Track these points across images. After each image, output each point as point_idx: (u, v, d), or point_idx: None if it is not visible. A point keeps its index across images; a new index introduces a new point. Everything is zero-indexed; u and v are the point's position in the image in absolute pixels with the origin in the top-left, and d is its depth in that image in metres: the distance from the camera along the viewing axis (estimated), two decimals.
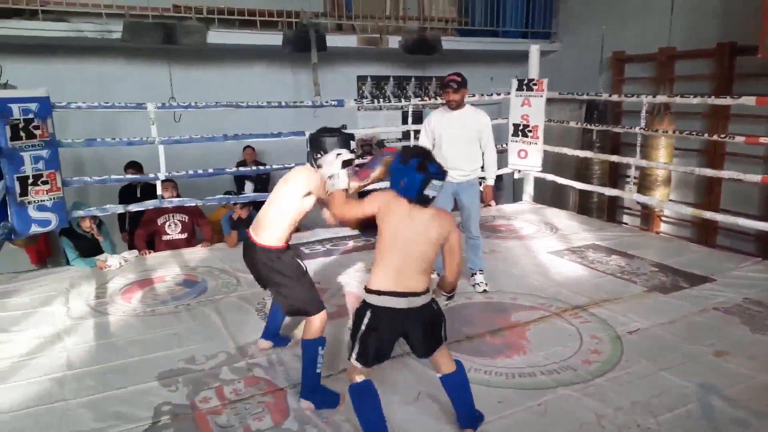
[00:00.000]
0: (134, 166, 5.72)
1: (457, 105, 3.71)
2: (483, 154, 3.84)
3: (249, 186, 6.69)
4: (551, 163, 6.14)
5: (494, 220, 5.72)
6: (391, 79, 8.80)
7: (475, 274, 3.90)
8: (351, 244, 5.04)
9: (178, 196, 4.98)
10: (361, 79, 8.62)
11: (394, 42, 7.65)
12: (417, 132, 6.71)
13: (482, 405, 2.39)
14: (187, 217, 5.09)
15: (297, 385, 2.65)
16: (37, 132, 3.94)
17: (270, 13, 7.02)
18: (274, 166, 5.55)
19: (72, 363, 2.91)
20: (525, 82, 5.80)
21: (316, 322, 2.60)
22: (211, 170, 5.07)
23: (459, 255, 2.25)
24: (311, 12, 7.27)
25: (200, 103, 5.04)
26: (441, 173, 2.13)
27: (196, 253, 4.79)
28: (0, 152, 3.78)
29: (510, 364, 2.86)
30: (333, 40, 7.28)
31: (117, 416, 2.45)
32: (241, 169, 6.20)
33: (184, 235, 5.07)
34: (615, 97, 5.84)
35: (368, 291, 2.17)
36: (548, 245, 4.85)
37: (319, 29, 7.09)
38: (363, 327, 2.14)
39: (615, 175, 7.46)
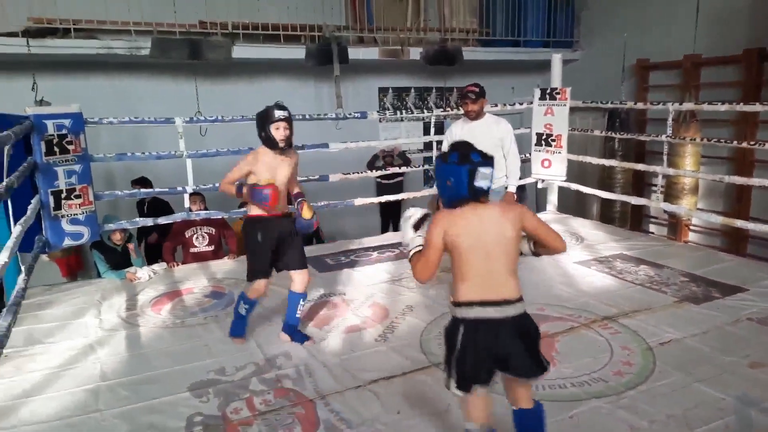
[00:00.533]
0: (142, 182, 5.80)
1: (477, 115, 3.83)
2: (506, 161, 3.86)
3: None
4: (574, 172, 6.09)
5: None
6: (413, 90, 8.85)
7: None
8: (375, 255, 5.05)
9: (205, 208, 5.06)
10: (383, 91, 8.68)
11: (415, 53, 7.71)
12: (439, 143, 6.73)
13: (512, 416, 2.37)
14: (214, 230, 5.17)
15: (326, 396, 2.67)
16: (71, 147, 4.04)
17: (293, 27, 7.13)
18: (298, 178, 5.59)
19: (105, 374, 2.97)
20: (548, 91, 5.78)
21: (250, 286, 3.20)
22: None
23: (547, 227, 2.05)
24: (333, 25, 7.36)
25: (226, 117, 5.12)
26: (487, 160, 1.98)
27: (223, 265, 4.86)
28: (35, 167, 3.89)
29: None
30: (355, 53, 7.36)
31: (150, 426, 2.49)
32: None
33: (211, 248, 5.14)
34: (640, 105, 5.79)
35: (457, 304, 1.95)
36: (574, 255, 4.80)
37: (341, 42, 7.18)
38: (458, 346, 1.90)
39: (639, 184, 7.37)
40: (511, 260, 1.97)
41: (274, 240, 3.16)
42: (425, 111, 7.56)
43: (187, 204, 4.87)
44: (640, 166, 5.85)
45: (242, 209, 5.57)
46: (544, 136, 5.79)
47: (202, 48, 6.46)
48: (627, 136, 6.27)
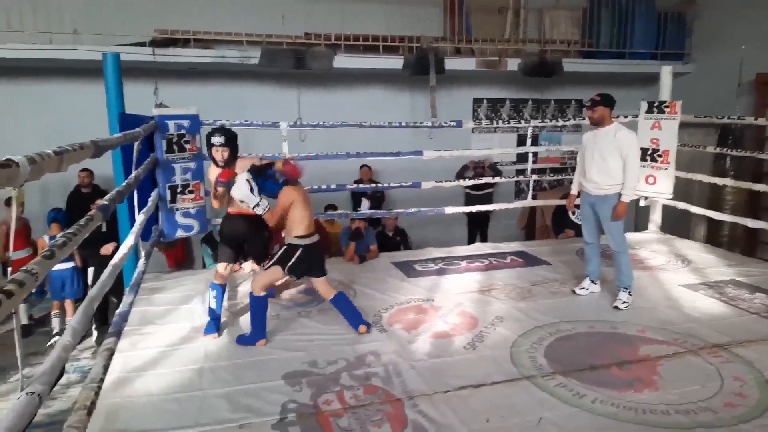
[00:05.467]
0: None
1: (597, 122, 3.91)
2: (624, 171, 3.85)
3: (365, 203, 6.90)
4: (678, 191, 5.72)
5: None
6: (508, 101, 8.74)
7: (619, 290, 3.92)
8: (464, 264, 5.02)
9: None
10: (477, 102, 8.65)
11: (512, 64, 7.62)
12: (535, 154, 6.59)
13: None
14: None
15: (414, 398, 2.68)
16: (188, 146, 4.38)
17: (392, 38, 7.30)
18: (392, 184, 5.70)
19: (209, 356, 3.16)
20: (655, 104, 5.50)
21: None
22: (333, 186, 5.32)
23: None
24: (431, 37, 7.46)
25: (327, 122, 5.32)
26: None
27: None
28: (156, 163, 4.25)
29: (640, 399, 2.68)
30: (451, 63, 7.40)
31: (248, 409, 2.62)
32: (360, 186, 6.43)
33: None
34: (762, 121, 5.34)
35: (298, 237, 3.31)
36: (680, 278, 4.50)
37: (438, 53, 7.25)
38: (293, 260, 3.29)
39: (755, 206, 6.79)
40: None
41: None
42: (521, 122, 7.44)
43: None
44: (760, 186, 5.38)
45: (337, 211, 5.76)
46: (649, 151, 5.50)
47: (306, 58, 6.77)
48: (746, 154, 5.80)
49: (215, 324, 3.46)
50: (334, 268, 4.87)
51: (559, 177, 6.95)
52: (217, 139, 3.49)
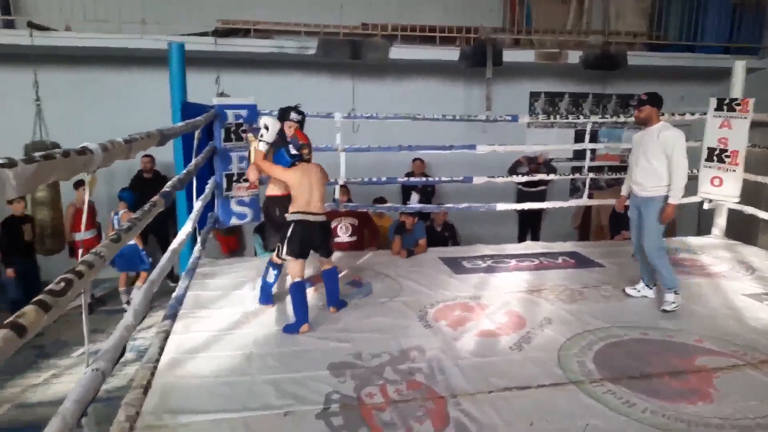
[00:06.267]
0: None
1: (643, 121, 3.86)
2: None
3: (415, 197, 6.89)
4: (746, 194, 5.40)
5: (677, 253, 5.19)
6: (567, 95, 8.49)
7: (665, 292, 3.83)
8: (514, 263, 4.95)
9: (350, 201, 5.32)
10: (534, 95, 8.44)
11: (573, 57, 7.38)
12: (593, 151, 6.39)
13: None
14: (357, 221, 5.41)
15: (457, 396, 2.68)
16: (244, 135, 4.49)
17: (449, 29, 7.21)
18: (443, 179, 5.66)
19: (258, 342, 3.26)
20: (726, 101, 5.20)
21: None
22: (384, 179, 5.34)
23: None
24: (490, 27, 7.32)
25: (381, 114, 5.32)
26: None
27: (364, 256, 5.07)
28: (215, 151, 4.38)
29: (694, 411, 2.57)
30: (509, 55, 7.25)
31: (294, 396, 2.68)
32: (411, 179, 6.42)
33: (353, 238, 5.39)
34: None
35: (293, 213, 3.45)
36: (744, 287, 4.28)
37: (496, 44, 7.11)
38: (288, 234, 3.47)
39: None
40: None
41: None
42: (579, 118, 7.22)
43: (336, 195, 5.16)
44: None
45: (386, 204, 5.78)
46: (716, 152, 5.22)
47: (362, 48, 6.79)
48: None
49: (266, 295, 3.78)
50: (381, 260, 4.91)
51: (618, 176, 6.70)
52: (295, 116, 3.76)
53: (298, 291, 3.45)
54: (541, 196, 7.25)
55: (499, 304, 3.93)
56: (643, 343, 3.33)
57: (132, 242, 6.09)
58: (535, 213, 7.33)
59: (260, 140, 3.55)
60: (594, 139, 8.27)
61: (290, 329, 3.40)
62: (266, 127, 3.55)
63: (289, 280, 3.63)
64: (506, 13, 7.92)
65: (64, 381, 4.78)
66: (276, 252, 3.69)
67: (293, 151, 3.49)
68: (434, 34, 7.20)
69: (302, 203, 3.46)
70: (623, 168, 8.48)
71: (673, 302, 3.76)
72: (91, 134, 2.43)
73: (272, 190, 3.84)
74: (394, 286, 4.29)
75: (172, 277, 6.05)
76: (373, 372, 2.93)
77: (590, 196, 6.02)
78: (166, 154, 4.86)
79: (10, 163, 0.98)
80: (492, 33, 7.26)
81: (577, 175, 6.19)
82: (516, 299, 4.02)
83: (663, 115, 4.00)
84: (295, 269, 3.48)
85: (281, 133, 3.68)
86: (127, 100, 7.01)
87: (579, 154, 7.93)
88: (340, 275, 4.43)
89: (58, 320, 1.32)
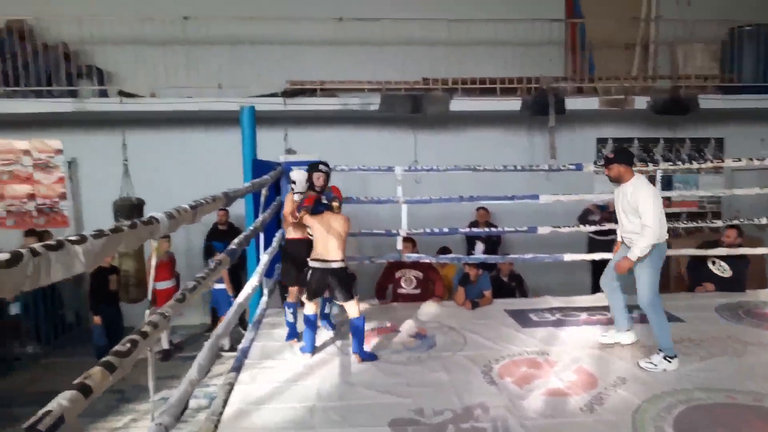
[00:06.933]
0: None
1: (615, 180, 3.83)
2: None
3: (479, 246, 6.84)
4: None
5: (765, 307, 4.81)
6: (636, 141, 8.26)
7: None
8: (585, 316, 4.74)
9: (415, 252, 5.34)
10: (601, 142, 8.27)
11: (640, 103, 7.23)
12: (664, 199, 6.09)
13: None
14: (421, 274, 5.40)
15: None
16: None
17: (509, 80, 7.28)
18: (506, 229, 5.59)
19: (320, 395, 3.27)
20: None
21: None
22: (446, 229, 5.34)
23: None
24: (551, 77, 7.33)
25: (440, 167, 5.38)
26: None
27: (428, 308, 5.02)
28: (282, 206, 4.56)
29: None
30: (572, 103, 7.20)
31: None
32: (474, 230, 6.38)
33: (417, 290, 5.37)
34: None
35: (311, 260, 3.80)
36: None
37: (558, 93, 7.09)
38: (308, 278, 3.73)
39: None
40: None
41: None
42: (649, 164, 6.97)
43: (399, 246, 5.19)
44: None
45: (449, 255, 5.74)
46: None
47: (423, 102, 6.97)
48: None
49: (292, 332, 4.12)
50: (446, 312, 4.85)
51: (696, 223, 6.37)
52: (324, 167, 4.08)
53: (308, 323, 3.85)
54: (613, 245, 6.96)
55: (569, 360, 3.76)
56: (729, 408, 3.07)
57: (222, 287, 6.39)
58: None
59: (294, 192, 4.03)
60: (669, 184, 7.96)
61: (302, 350, 3.87)
62: (293, 182, 4.05)
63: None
64: (567, 63, 7.91)
65: (141, 426, 4.97)
66: (302, 295, 4.01)
67: (324, 201, 3.83)
68: (494, 86, 7.28)
69: (320, 250, 3.75)
70: (702, 214, 8.11)
71: (654, 364, 3.55)
72: (172, 189, 2.63)
73: (291, 234, 4.14)
74: (458, 339, 4.21)
75: (243, 324, 6.24)
76: (434, 429, 2.87)
77: (668, 245, 5.71)
78: (240, 207, 5.11)
79: (81, 240, 1.08)
80: (553, 82, 7.26)
81: None
82: (587, 356, 3.83)
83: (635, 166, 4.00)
84: (309, 307, 3.84)
85: (310, 182, 4.03)
86: (205, 157, 7.48)
87: None
88: (403, 327, 4.42)
89: (138, 365, 1.42)
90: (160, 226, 1.56)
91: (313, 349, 3.90)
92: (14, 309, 6.41)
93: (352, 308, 3.77)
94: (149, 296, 5.31)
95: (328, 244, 3.74)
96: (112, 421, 5.07)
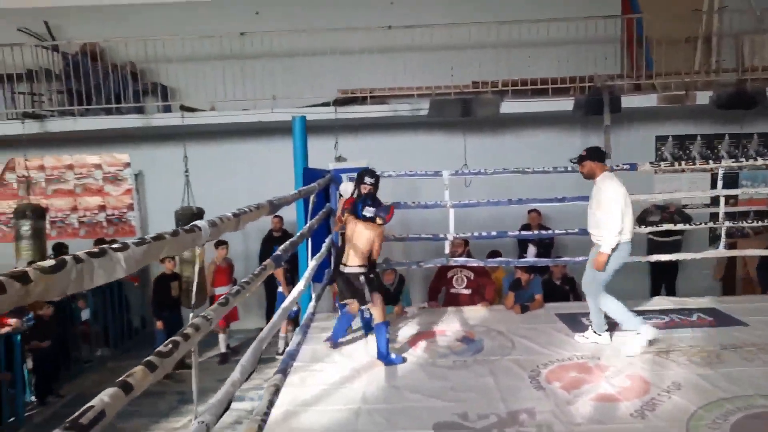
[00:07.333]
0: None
1: (587, 176, 4.05)
2: None
3: (531, 250, 6.72)
4: None
5: None
6: (698, 138, 7.88)
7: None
8: (696, 317, 4.60)
9: (468, 254, 5.33)
10: (661, 140, 7.95)
11: (702, 98, 6.90)
12: (730, 197, 5.82)
13: None
14: (473, 275, 5.39)
15: None
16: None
17: (562, 80, 7.13)
18: (557, 231, 5.49)
19: (366, 398, 3.34)
20: None
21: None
22: (494, 233, 5.30)
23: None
24: (605, 75, 7.12)
25: (489, 170, 5.34)
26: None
27: (477, 312, 5.00)
28: (331, 212, 4.69)
29: None
30: (629, 101, 6.98)
31: None
32: (524, 233, 6.29)
33: (468, 291, 5.36)
34: None
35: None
36: None
37: (613, 91, 6.89)
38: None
39: None
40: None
41: None
42: (712, 161, 6.65)
43: (447, 250, 5.20)
44: None
45: (499, 258, 5.69)
46: None
47: (473, 105, 6.95)
48: None
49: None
50: (494, 316, 4.82)
51: (764, 223, 6.00)
52: (369, 179, 4.21)
53: (342, 316, 4.18)
54: (675, 246, 6.66)
55: (621, 365, 3.65)
56: (759, 417, 2.90)
57: (280, 291, 6.60)
58: (671, 265, 6.74)
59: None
60: (735, 182, 7.55)
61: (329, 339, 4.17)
62: (341, 195, 4.36)
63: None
64: (624, 60, 7.65)
65: None
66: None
67: (368, 210, 3.89)
68: (546, 86, 7.15)
69: (344, 256, 3.92)
70: None
71: (585, 336, 4.06)
72: (230, 197, 2.75)
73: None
74: (506, 343, 4.18)
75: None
76: None
77: (734, 245, 5.45)
78: (292, 214, 5.27)
79: (123, 247, 1.18)
80: (608, 80, 7.05)
81: (710, 224, 5.65)
82: (640, 361, 3.71)
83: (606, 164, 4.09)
84: (351, 306, 4.03)
85: (358, 192, 4.19)
86: (261, 166, 7.75)
87: (717, 200, 7.25)
88: (451, 331, 4.43)
89: (200, 368, 1.51)
90: (201, 234, 1.66)
91: (337, 342, 4.17)
92: (85, 315, 6.86)
93: (375, 312, 3.87)
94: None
95: (349, 250, 3.89)
96: (173, 422, 5.35)
